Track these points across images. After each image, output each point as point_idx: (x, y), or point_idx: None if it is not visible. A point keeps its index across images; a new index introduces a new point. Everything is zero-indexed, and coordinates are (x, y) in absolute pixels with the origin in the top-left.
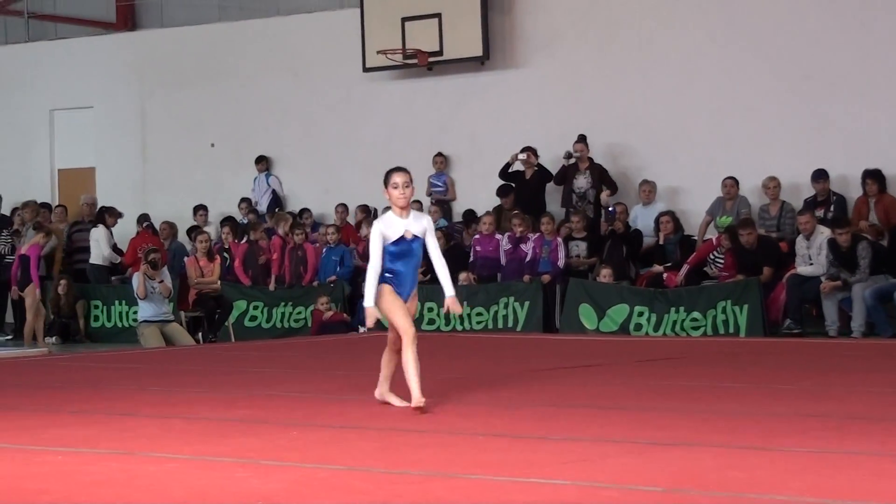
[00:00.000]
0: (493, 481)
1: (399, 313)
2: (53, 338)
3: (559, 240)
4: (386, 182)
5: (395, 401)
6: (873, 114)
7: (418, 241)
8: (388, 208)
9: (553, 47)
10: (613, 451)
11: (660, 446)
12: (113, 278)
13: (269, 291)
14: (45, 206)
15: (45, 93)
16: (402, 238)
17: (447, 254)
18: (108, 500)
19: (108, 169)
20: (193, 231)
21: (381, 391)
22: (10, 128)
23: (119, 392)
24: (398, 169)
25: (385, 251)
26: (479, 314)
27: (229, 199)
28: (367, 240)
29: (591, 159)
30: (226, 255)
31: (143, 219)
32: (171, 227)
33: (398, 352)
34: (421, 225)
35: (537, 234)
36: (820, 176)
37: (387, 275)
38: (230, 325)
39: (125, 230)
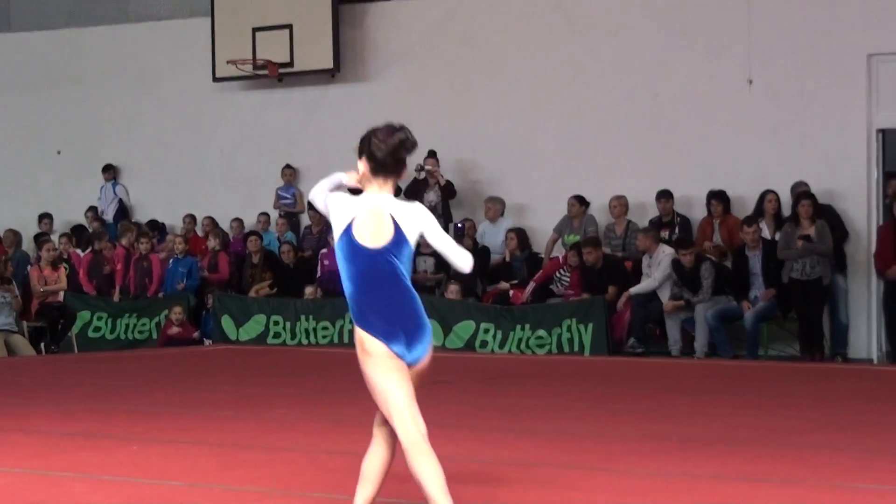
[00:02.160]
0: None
1: (395, 395)
2: None
3: None
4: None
5: None
6: (719, 135)
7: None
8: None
9: (404, 62)
10: (456, 471)
11: (505, 465)
12: None
13: (113, 302)
14: None
15: None
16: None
17: (296, 268)
18: None
19: None
20: (40, 239)
21: None
22: None
23: None
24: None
25: (338, 258)
26: (324, 328)
27: (76, 207)
28: (213, 251)
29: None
30: (65, 264)
31: None
32: (14, 235)
33: (390, 446)
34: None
35: None
36: (663, 196)
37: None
38: (73, 336)
39: None
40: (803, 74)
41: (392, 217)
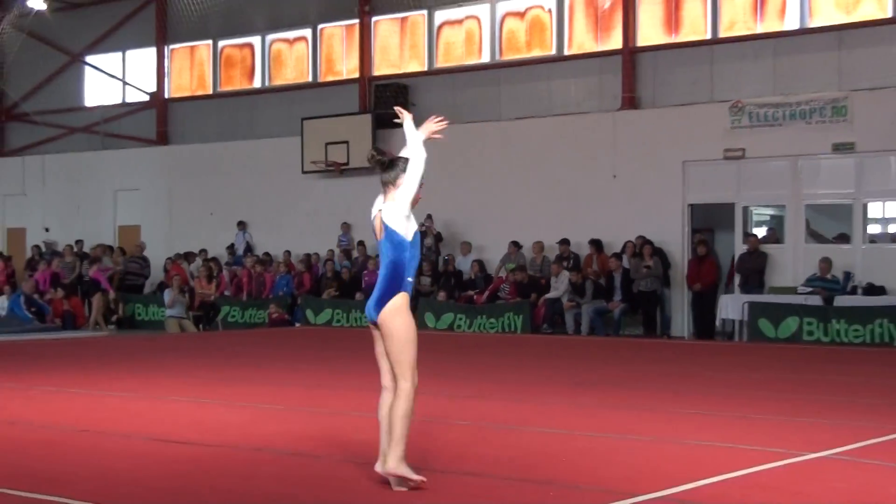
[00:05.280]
0: None
1: (414, 353)
2: (112, 326)
3: None
4: None
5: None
6: (597, 207)
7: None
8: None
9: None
10: (449, 392)
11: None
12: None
13: (242, 301)
14: (110, 248)
15: (113, 180)
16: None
17: (350, 281)
18: (142, 428)
19: (149, 226)
20: (203, 263)
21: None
22: (90, 201)
23: (152, 360)
24: None
25: (407, 249)
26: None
27: (221, 245)
28: (300, 272)
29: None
30: (215, 279)
31: (177, 256)
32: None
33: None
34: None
35: None
36: (563, 242)
37: (408, 279)
38: (219, 321)
39: (159, 262)
40: (646, 172)
41: (381, 217)
